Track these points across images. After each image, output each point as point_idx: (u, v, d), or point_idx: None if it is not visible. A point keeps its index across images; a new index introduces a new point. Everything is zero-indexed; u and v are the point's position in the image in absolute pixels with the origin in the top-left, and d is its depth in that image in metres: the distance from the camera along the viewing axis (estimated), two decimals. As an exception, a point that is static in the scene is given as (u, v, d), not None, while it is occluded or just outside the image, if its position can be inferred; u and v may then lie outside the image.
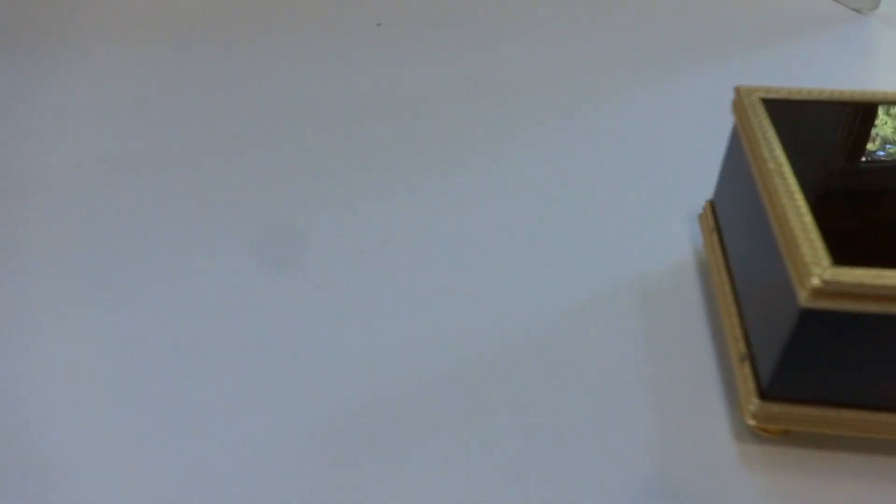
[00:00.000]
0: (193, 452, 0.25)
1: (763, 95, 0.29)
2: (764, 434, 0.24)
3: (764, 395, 0.23)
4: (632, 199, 0.39)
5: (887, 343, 0.20)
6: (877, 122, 0.27)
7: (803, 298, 0.19)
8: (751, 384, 0.23)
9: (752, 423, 0.23)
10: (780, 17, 0.59)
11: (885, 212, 0.23)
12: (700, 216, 0.33)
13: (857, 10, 0.55)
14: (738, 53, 0.53)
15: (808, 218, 0.21)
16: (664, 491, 0.23)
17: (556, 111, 0.48)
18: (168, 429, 0.26)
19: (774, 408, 0.23)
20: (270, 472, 0.24)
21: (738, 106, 0.29)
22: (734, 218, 0.29)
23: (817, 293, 0.19)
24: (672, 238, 0.35)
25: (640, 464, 0.24)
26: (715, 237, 0.30)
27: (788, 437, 0.24)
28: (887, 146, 0.26)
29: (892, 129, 0.27)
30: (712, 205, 0.32)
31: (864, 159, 0.25)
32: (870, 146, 0.26)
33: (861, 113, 0.28)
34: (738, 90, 0.29)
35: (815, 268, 0.19)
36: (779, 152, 0.25)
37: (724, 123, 0.39)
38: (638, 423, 0.26)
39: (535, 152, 0.43)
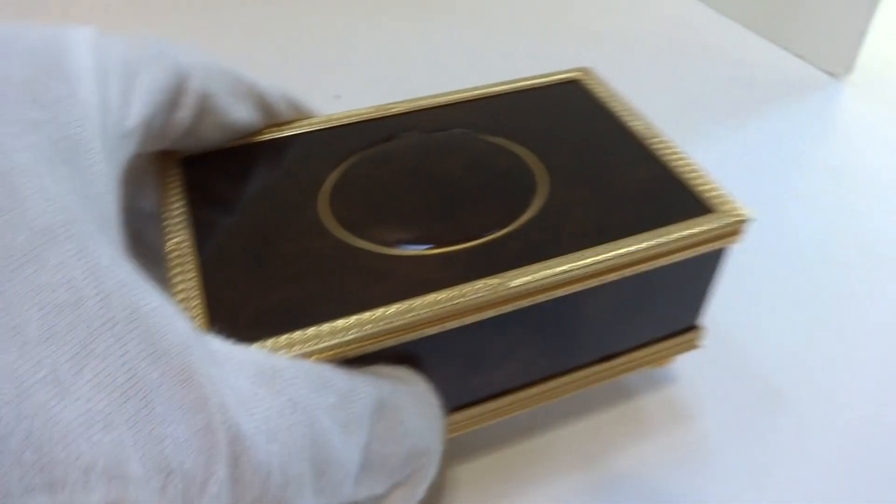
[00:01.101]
0: None
1: (181, 155, 0.26)
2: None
3: None
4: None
5: None
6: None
7: None
8: None
9: None
10: (742, 78, 0.52)
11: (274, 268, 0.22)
12: None
13: (831, 74, 0.49)
14: (701, 120, 0.48)
15: (194, 283, 0.22)
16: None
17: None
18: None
19: None
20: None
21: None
22: None
23: None
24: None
25: None
26: None
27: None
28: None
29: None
30: None
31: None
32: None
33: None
34: None
35: None
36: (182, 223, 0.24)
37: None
38: None
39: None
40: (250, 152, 0.27)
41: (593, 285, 0.23)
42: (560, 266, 0.22)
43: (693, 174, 0.26)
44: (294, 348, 0.20)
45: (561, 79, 0.31)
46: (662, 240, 0.23)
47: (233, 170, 0.26)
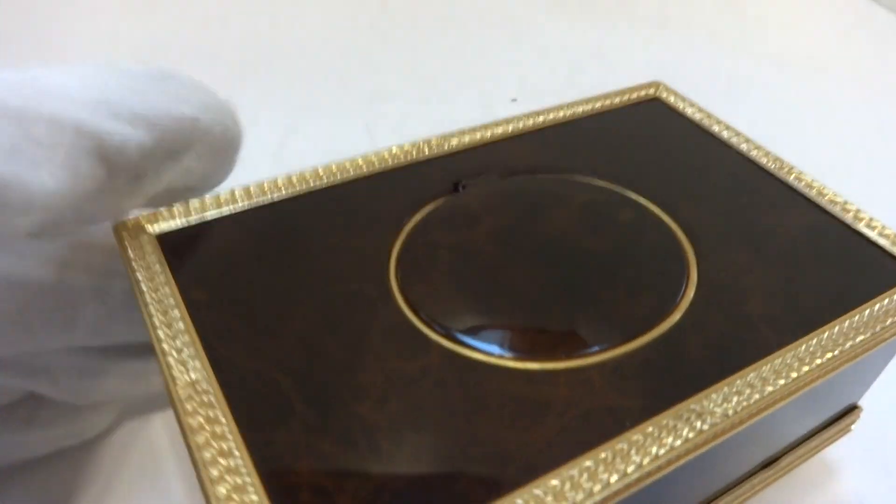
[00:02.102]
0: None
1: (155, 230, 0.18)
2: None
3: None
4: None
5: None
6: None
7: None
8: None
9: None
10: None
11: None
12: None
13: None
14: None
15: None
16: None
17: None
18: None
19: None
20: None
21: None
22: None
23: None
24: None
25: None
26: None
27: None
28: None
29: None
30: None
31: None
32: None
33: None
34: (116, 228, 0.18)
35: None
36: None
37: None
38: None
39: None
40: (256, 222, 0.18)
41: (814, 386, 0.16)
42: (789, 372, 0.15)
43: (861, 218, 0.20)
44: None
45: (639, 97, 0.25)
46: (892, 319, 0.17)
47: (239, 251, 0.17)
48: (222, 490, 0.12)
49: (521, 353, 0.15)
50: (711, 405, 0.14)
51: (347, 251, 0.18)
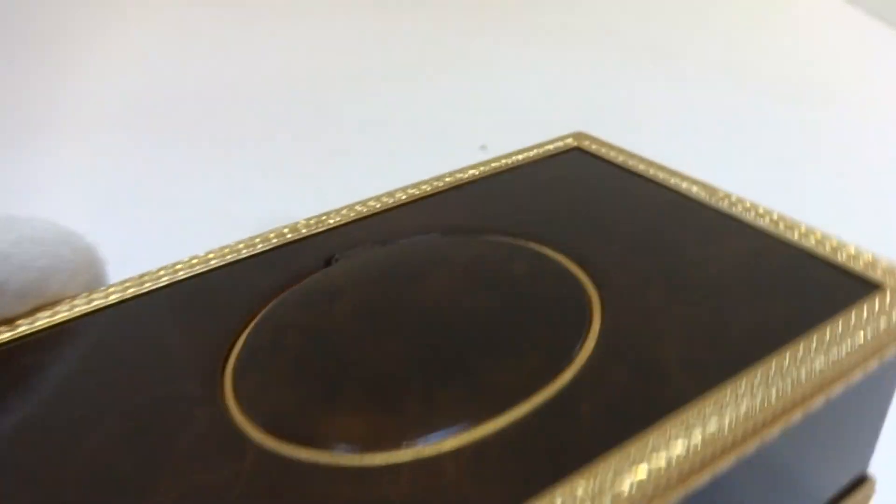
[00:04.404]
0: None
1: None
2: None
3: None
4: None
5: None
6: None
7: None
8: None
9: None
10: None
11: None
12: None
13: None
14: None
15: None
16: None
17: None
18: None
19: None
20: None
21: None
22: None
23: None
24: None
25: None
26: None
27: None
28: None
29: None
30: None
31: None
32: None
33: None
34: None
35: None
36: None
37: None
38: None
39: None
40: (83, 331, 0.16)
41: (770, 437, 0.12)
42: (706, 427, 0.11)
43: (811, 234, 0.16)
44: None
45: (558, 148, 0.22)
46: (863, 339, 0.13)
47: (52, 366, 0.15)
48: None
49: (358, 445, 0.12)
50: (596, 485, 0.11)
51: (181, 349, 0.15)
